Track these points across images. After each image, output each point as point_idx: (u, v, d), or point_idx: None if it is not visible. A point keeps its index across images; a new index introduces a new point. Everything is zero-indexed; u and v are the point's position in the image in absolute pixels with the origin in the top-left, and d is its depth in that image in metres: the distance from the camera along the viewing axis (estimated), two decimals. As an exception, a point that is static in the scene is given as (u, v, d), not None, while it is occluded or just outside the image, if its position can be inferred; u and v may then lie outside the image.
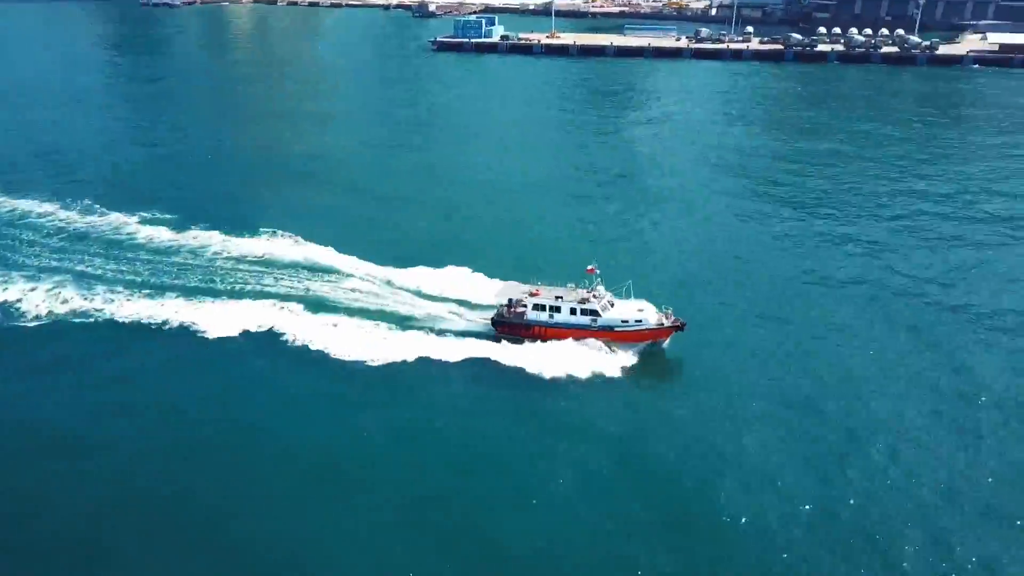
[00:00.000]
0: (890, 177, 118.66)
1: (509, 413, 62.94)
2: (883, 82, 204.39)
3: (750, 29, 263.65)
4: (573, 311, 70.02)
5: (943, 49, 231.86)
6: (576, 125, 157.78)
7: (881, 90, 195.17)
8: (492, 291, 77.37)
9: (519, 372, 67.15)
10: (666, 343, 70.33)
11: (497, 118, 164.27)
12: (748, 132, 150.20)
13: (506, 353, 69.10)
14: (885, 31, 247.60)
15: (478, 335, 72.23)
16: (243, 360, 70.06)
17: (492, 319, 72.44)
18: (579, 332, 69.72)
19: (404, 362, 68.23)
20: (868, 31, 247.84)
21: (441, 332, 72.60)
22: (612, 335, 69.51)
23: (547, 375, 66.50)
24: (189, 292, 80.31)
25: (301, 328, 73.21)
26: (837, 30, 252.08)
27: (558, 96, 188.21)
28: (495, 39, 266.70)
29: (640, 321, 69.27)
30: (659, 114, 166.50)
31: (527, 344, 70.18)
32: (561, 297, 70.91)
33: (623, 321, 69.45)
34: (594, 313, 69.60)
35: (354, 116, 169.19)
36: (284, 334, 72.54)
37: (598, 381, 66.28)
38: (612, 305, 70.67)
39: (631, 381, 66.91)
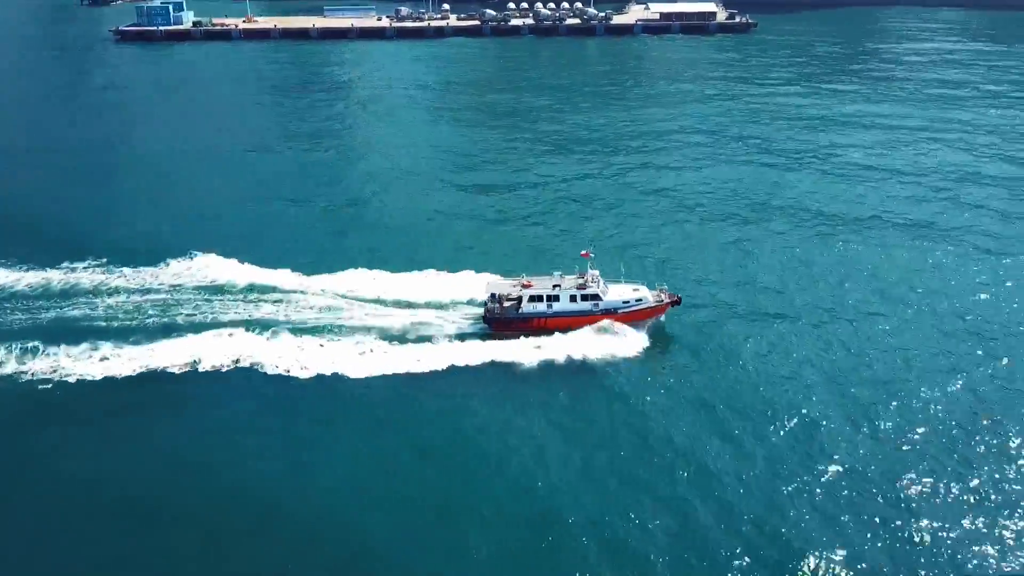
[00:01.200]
0: (601, 121, 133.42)
1: (547, 422, 57.33)
2: (574, 50, 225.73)
3: (447, 6, 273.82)
4: (573, 298, 66.97)
5: (616, 19, 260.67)
6: (295, 112, 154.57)
7: (576, 57, 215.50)
8: (461, 289, 73.28)
9: (536, 369, 62.89)
10: (663, 318, 69.22)
11: (205, 110, 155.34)
12: (479, 103, 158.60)
13: (516, 351, 64.18)
14: (566, 4, 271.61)
15: (471, 336, 67.18)
16: (240, 395, 61.12)
17: (485, 317, 67.68)
18: (583, 319, 66.81)
19: (409, 375, 62.08)
20: (552, 5, 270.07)
21: (434, 339, 66.83)
22: (616, 317, 67.10)
23: (565, 368, 62.99)
24: (142, 334, 68.11)
25: (282, 354, 64.63)
26: (525, 4, 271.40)
27: (270, 84, 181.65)
28: (187, 26, 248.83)
29: (640, 300, 67.67)
30: (386, 95, 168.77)
31: (531, 338, 65.69)
32: (559, 285, 67.82)
33: (624, 302, 67.44)
34: (596, 297, 67.04)
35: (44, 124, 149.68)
36: (265, 364, 63.63)
37: (622, 366, 63.24)
38: (607, 288, 68.62)
39: (654, 360, 64.37)
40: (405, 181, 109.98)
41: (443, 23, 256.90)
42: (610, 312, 67.05)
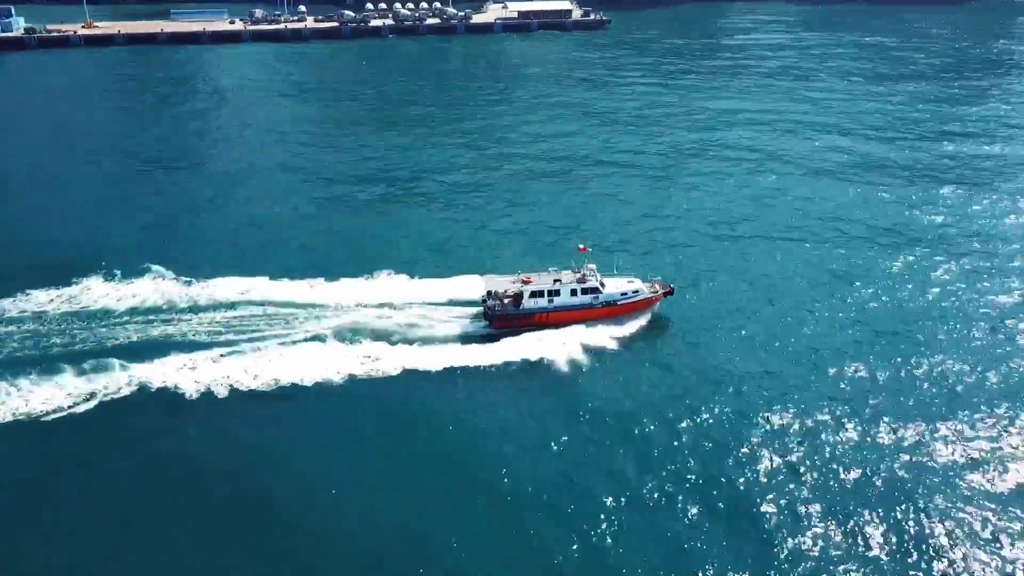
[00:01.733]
0: (469, 118, 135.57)
1: (563, 415, 58.05)
2: (441, 50, 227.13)
3: (303, 8, 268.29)
4: (574, 292, 68.16)
5: (476, 18, 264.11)
6: (147, 121, 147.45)
7: (440, 56, 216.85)
8: (446, 289, 73.30)
9: (543, 364, 63.65)
10: (656, 307, 71.15)
11: (48, 123, 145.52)
12: (343, 110, 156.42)
13: (520, 346, 64.88)
14: (425, 4, 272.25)
15: (473, 334, 67.56)
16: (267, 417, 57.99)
17: (486, 314, 68.00)
18: (584, 313, 68.20)
19: (419, 376, 61.43)
20: (411, 5, 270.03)
21: (433, 341, 66.44)
22: (615, 310, 68.83)
23: (574, 363, 63.59)
24: (132, 353, 63.80)
25: (284, 369, 62.11)
26: (383, 5, 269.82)
27: (117, 92, 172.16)
28: (17, 32, 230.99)
29: (637, 292, 69.42)
30: (248, 100, 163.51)
31: (533, 333, 66.78)
32: (559, 280, 68.65)
33: (623, 294, 69.00)
34: (595, 291, 68.32)
35: None
36: (281, 377, 61.07)
37: (624, 356, 64.99)
38: (603, 282, 69.80)
39: (654, 349, 66.35)
40: (275, 188, 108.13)
41: (301, 25, 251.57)
42: (609, 305, 68.59)
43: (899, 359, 63.95)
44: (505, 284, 69.52)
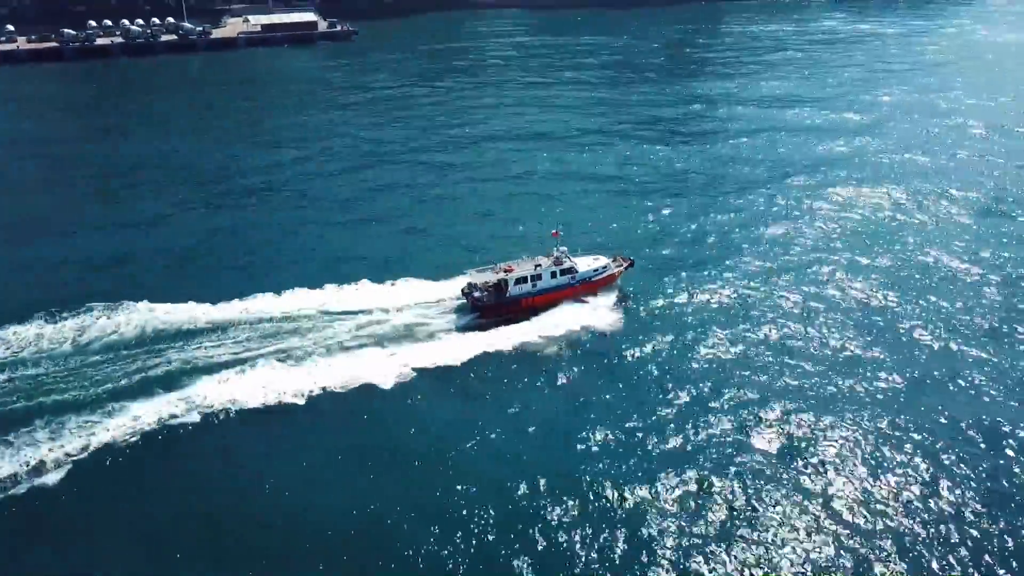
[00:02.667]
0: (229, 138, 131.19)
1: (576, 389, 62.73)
2: (181, 68, 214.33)
3: (11, 28, 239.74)
4: (553, 274, 73.60)
5: (217, 33, 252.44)
6: None
7: (183, 77, 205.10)
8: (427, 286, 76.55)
9: (541, 344, 68.62)
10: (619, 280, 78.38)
11: None
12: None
13: (516, 332, 69.64)
14: (156, 19, 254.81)
15: (468, 327, 70.60)
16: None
17: (475, 305, 71.47)
18: (564, 293, 74.11)
19: (433, 374, 63.64)
20: (141, 21, 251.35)
21: (429, 337, 68.97)
22: (590, 286, 75.29)
23: (563, 338, 69.21)
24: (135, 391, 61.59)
25: (298, 379, 62.64)
26: (108, 22, 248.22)
27: None
28: None
29: (606, 267, 76.21)
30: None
31: (520, 319, 71.55)
32: (540, 265, 73.54)
33: (595, 272, 75.48)
34: (572, 271, 74.25)
35: None
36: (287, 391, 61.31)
37: (609, 326, 71.74)
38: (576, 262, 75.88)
39: (630, 315, 74.12)
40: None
41: (11, 47, 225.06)
42: (585, 282, 75.21)
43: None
44: (486, 276, 73.67)
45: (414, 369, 64.40)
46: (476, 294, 72.17)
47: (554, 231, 76.88)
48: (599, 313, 73.25)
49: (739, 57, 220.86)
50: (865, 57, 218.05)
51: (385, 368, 63.94)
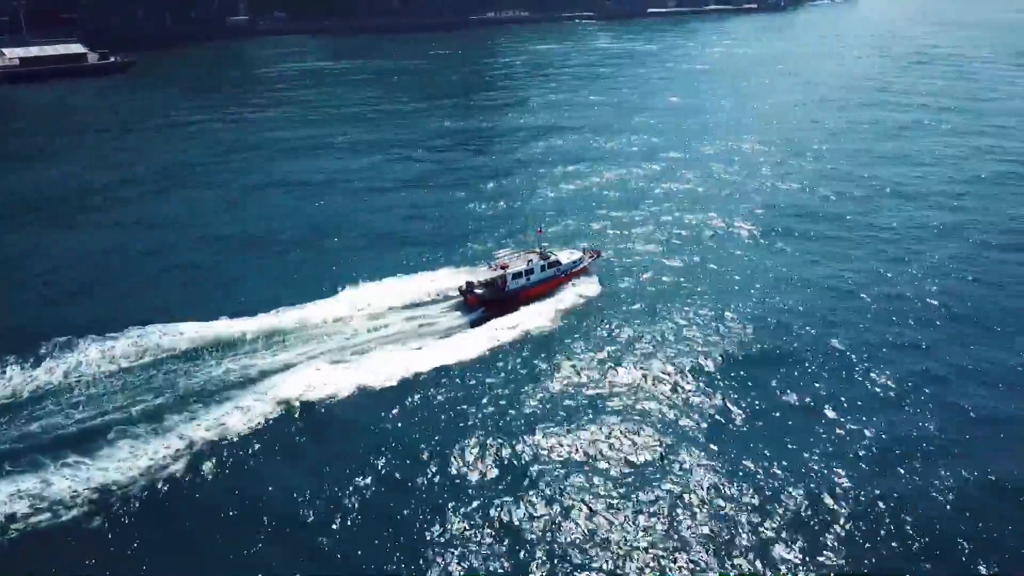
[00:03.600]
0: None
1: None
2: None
3: None
4: (543, 268, 79.21)
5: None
6: None
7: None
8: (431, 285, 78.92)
9: (548, 326, 72.82)
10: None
11: None
12: None
13: (519, 319, 73.40)
14: None
15: (476, 321, 73.29)
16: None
17: (481, 300, 75.39)
18: (550, 284, 79.86)
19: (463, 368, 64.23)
20: None
21: (442, 335, 70.66)
22: (570, 277, 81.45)
23: (562, 319, 74.25)
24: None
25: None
26: None
27: None
28: None
29: (580, 259, 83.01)
30: None
31: (519, 311, 75.10)
32: (532, 260, 79.12)
33: (573, 263, 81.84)
34: (557, 264, 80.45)
35: None
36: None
37: (595, 306, 77.20)
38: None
39: (612, 297, 79.33)
40: None
41: None
42: (566, 273, 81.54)
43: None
44: (483, 273, 78.50)
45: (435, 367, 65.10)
46: (477, 291, 76.45)
47: (539, 229, 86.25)
48: (585, 295, 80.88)
49: (523, 76, 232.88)
50: (644, 70, 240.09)
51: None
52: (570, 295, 79.62)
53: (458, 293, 76.97)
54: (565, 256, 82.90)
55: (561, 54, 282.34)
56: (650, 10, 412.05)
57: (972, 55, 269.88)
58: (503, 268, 77.74)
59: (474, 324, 73.72)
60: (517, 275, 77.55)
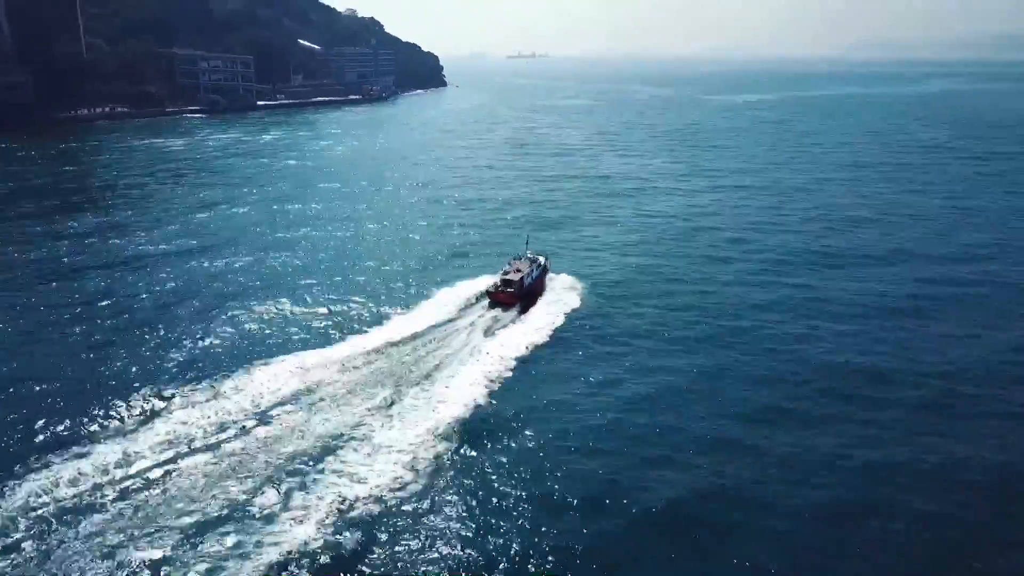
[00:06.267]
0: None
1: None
2: None
3: None
4: (535, 269, 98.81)
5: None
6: None
7: None
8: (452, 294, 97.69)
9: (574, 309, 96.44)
10: None
11: None
12: None
13: (547, 310, 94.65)
14: None
15: (510, 315, 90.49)
16: None
17: (517, 295, 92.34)
18: (541, 282, 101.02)
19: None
20: None
21: (501, 330, 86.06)
22: (544, 277, 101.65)
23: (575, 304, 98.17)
24: None
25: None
26: None
27: None
28: None
29: (545, 262, 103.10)
30: None
31: (537, 304, 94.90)
32: (532, 263, 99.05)
33: (544, 265, 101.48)
34: (542, 266, 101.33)
35: None
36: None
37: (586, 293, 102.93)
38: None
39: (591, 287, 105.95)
40: None
41: None
42: (545, 273, 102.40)
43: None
44: (509, 272, 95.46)
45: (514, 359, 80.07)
46: (511, 289, 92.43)
47: (526, 240, 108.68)
48: (566, 291, 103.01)
49: (136, 180, 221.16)
50: (269, 161, 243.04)
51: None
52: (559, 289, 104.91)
53: (487, 295, 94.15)
54: (539, 260, 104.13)
55: (176, 150, 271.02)
56: (260, 103, 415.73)
57: (562, 138, 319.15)
58: (518, 271, 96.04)
59: (506, 324, 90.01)
60: (527, 275, 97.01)
